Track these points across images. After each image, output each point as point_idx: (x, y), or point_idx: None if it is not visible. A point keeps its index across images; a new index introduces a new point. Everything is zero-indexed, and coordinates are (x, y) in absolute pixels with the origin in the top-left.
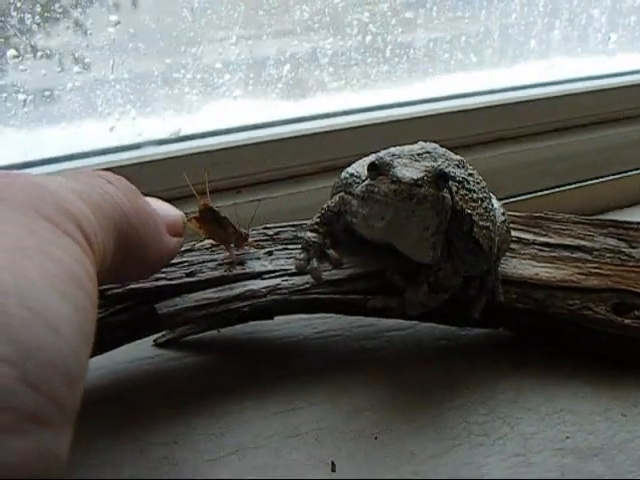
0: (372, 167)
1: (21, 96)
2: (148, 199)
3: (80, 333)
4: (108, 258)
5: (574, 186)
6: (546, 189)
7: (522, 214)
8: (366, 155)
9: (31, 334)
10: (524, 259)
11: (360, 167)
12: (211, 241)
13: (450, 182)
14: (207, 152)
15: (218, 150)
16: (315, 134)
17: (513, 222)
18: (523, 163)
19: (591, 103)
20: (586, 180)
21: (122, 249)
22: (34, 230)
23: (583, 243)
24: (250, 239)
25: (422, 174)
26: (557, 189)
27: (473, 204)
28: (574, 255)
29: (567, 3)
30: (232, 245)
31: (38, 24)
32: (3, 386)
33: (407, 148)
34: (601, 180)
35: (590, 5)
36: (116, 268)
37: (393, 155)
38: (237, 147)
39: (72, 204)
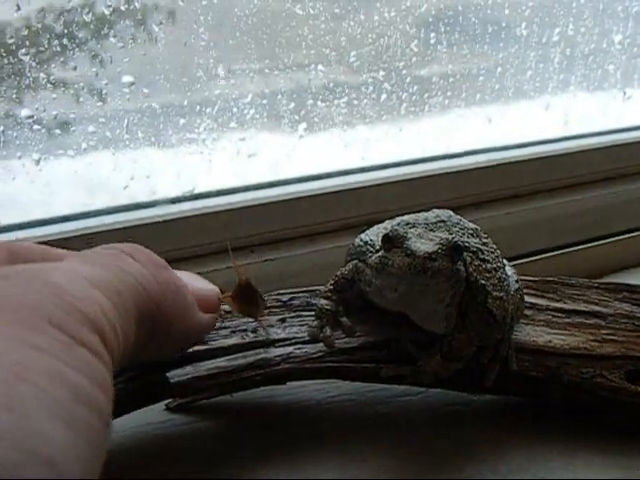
0: (386, 239)
1: None
2: (181, 273)
3: (83, 460)
4: (130, 343)
5: (588, 245)
6: (558, 247)
7: (535, 278)
8: (379, 215)
9: (25, 476)
10: (537, 326)
11: (374, 235)
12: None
13: (464, 253)
14: (220, 212)
15: (231, 210)
16: (329, 193)
17: (526, 287)
18: (534, 221)
19: (606, 158)
20: (600, 238)
21: (145, 329)
22: (41, 347)
23: (597, 309)
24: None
25: (436, 247)
26: (570, 249)
27: (487, 274)
28: (588, 321)
29: (582, 59)
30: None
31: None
32: None
33: (422, 216)
34: (618, 238)
35: (605, 61)
36: (141, 348)
37: (407, 224)
38: (251, 206)
39: (90, 303)
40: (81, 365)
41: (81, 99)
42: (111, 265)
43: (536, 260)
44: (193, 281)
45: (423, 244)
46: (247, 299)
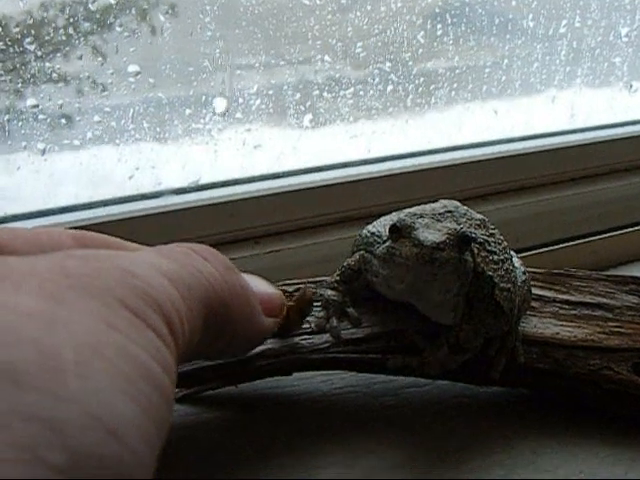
0: (393, 229)
1: None
2: (247, 276)
3: (146, 436)
4: (195, 339)
5: (595, 237)
6: (564, 240)
7: (542, 270)
8: (384, 207)
9: (86, 441)
10: (545, 317)
11: (381, 226)
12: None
13: (472, 244)
14: (225, 202)
15: (236, 200)
16: (333, 185)
17: (533, 279)
18: (540, 213)
19: (612, 151)
20: (606, 230)
21: (212, 328)
22: (114, 324)
23: (604, 301)
24: None
25: (444, 237)
26: (576, 241)
27: (494, 266)
28: (595, 313)
29: (589, 52)
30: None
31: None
32: None
33: (429, 207)
34: (624, 230)
35: (612, 54)
36: (205, 346)
37: (414, 215)
38: (255, 198)
39: (160, 291)
40: (149, 346)
41: (86, 89)
42: (183, 261)
43: (542, 252)
44: (258, 284)
45: (431, 234)
46: (302, 315)
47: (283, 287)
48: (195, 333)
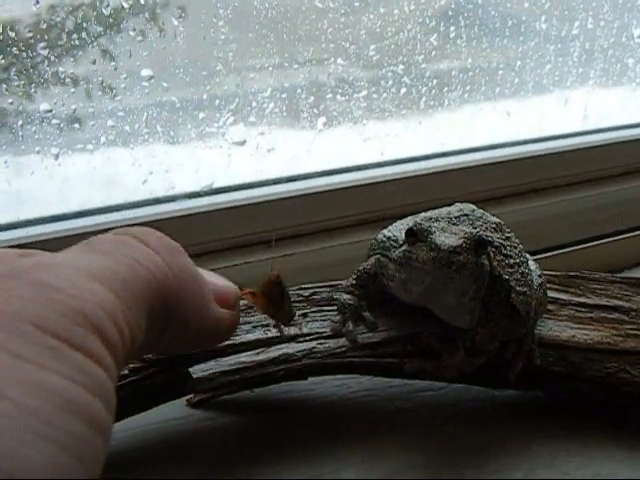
0: (410, 233)
1: None
2: (197, 268)
3: (62, 473)
4: (139, 338)
5: (610, 239)
6: (579, 242)
7: (558, 273)
8: (399, 209)
9: None
10: (561, 320)
11: (397, 230)
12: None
13: (488, 247)
14: (239, 206)
15: (250, 204)
16: (348, 188)
17: (549, 282)
18: (555, 215)
19: (626, 152)
20: (621, 232)
21: (159, 320)
22: (22, 355)
23: (620, 303)
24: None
25: (461, 241)
26: (591, 243)
27: (510, 270)
28: (611, 316)
29: (601, 53)
30: (282, 324)
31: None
32: None
33: (444, 210)
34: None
35: (625, 55)
36: (153, 341)
37: (430, 219)
38: (269, 201)
39: (85, 299)
40: (72, 371)
41: (99, 93)
42: (116, 252)
43: (557, 255)
44: (209, 275)
45: (447, 238)
46: (273, 298)
47: (299, 291)
48: (138, 332)
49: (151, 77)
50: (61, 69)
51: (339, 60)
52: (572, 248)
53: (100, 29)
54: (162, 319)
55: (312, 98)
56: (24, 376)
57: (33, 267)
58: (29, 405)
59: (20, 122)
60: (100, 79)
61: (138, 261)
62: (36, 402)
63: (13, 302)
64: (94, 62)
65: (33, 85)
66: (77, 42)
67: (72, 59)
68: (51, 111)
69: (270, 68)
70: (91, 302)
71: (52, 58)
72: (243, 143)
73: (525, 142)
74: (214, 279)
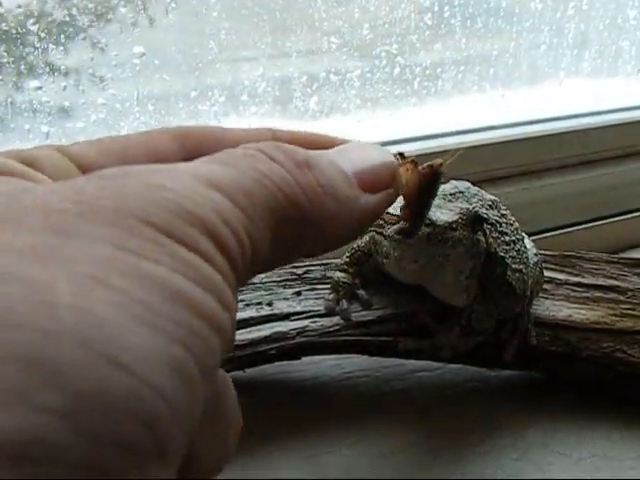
0: None
1: None
2: (339, 151)
3: (174, 366)
4: (262, 251)
5: (606, 220)
6: (576, 223)
7: (554, 253)
8: None
9: (85, 378)
10: (557, 300)
11: (392, 207)
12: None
13: (484, 224)
14: None
15: None
16: None
17: (545, 261)
18: (552, 196)
19: (621, 135)
20: (617, 214)
21: (287, 236)
22: (129, 247)
23: (616, 283)
24: None
25: (457, 217)
26: (587, 224)
27: (506, 247)
28: (607, 296)
29: (596, 35)
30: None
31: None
32: (55, 441)
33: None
34: (636, 214)
35: (620, 37)
36: (281, 256)
37: None
38: None
39: (200, 203)
40: (183, 267)
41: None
42: (242, 164)
43: (554, 235)
44: (355, 157)
45: (443, 214)
46: (424, 187)
47: (292, 269)
48: (261, 246)
49: (143, 54)
50: (51, 46)
51: (332, 39)
52: (568, 229)
53: (92, 6)
54: (292, 234)
55: (305, 77)
56: (129, 268)
57: (149, 169)
58: (136, 295)
59: (10, 100)
60: (92, 64)
61: (264, 175)
62: (143, 292)
63: (120, 199)
64: (85, 39)
65: (23, 63)
66: (68, 19)
67: (63, 38)
68: (41, 88)
69: (262, 46)
70: (208, 207)
71: (43, 35)
72: None
73: (519, 124)
74: (360, 162)
